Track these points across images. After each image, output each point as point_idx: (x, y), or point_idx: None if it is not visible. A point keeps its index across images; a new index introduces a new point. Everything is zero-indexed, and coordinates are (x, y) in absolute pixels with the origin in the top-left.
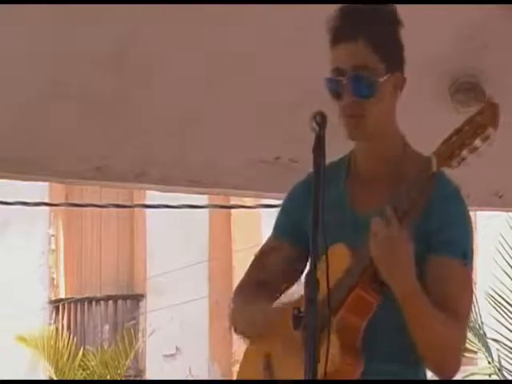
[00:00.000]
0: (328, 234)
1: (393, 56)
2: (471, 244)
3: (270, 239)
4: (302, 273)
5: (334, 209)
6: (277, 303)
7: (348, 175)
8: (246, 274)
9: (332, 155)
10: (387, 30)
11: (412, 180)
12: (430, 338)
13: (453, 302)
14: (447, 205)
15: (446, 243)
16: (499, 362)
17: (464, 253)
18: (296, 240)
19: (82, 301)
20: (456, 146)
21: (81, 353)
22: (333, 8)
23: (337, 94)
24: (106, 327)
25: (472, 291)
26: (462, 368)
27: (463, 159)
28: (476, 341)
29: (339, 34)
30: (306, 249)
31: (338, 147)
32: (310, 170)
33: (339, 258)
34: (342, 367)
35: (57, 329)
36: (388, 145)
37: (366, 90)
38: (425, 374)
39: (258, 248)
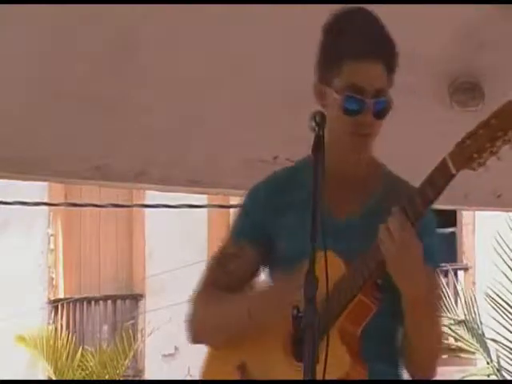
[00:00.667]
0: (304, 237)
1: (392, 77)
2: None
3: (230, 242)
4: (259, 275)
5: (303, 212)
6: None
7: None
8: (206, 277)
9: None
10: (393, 49)
11: (425, 181)
12: (429, 341)
13: (434, 311)
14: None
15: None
16: (498, 363)
17: (437, 261)
18: (258, 243)
19: (80, 301)
20: (473, 149)
21: (80, 353)
22: (333, 8)
23: (354, 111)
24: (105, 327)
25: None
26: (461, 368)
27: (484, 162)
28: (474, 341)
29: (362, 51)
30: (267, 251)
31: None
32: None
33: (330, 265)
34: (353, 376)
35: (56, 329)
36: (369, 153)
37: (385, 114)
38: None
39: None
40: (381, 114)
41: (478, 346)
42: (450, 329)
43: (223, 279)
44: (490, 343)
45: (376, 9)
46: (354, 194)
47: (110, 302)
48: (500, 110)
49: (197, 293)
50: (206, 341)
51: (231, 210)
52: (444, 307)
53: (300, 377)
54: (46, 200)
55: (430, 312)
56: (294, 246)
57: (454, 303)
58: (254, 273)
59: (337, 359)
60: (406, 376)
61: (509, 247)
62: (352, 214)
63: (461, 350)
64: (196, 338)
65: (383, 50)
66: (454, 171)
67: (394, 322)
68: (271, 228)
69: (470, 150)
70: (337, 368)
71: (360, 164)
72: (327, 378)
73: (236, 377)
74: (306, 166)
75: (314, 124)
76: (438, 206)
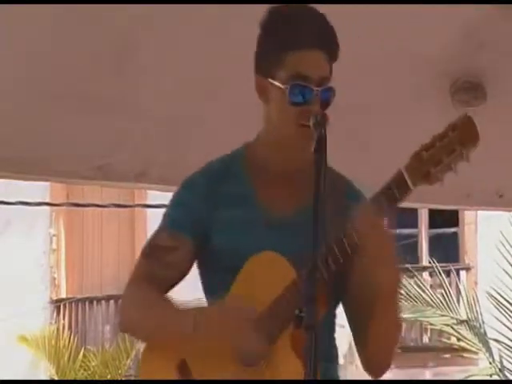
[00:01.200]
0: (239, 232)
1: (332, 67)
2: None
3: (166, 234)
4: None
5: (241, 206)
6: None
7: (249, 173)
8: (140, 270)
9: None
10: (334, 38)
11: (379, 193)
12: (392, 331)
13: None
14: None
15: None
16: (501, 363)
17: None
18: (196, 236)
19: (83, 300)
20: (432, 163)
21: (82, 353)
22: (332, 8)
23: (301, 102)
24: (107, 327)
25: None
26: (464, 368)
27: (441, 176)
28: (477, 341)
29: (302, 39)
30: (203, 243)
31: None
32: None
33: (278, 267)
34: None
35: (58, 329)
36: (308, 148)
37: (328, 102)
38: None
39: None
40: (327, 103)
41: (480, 345)
42: (452, 328)
43: (159, 272)
44: (492, 343)
45: (376, 9)
46: (295, 190)
47: (112, 301)
48: (458, 122)
49: (130, 286)
50: (136, 337)
51: None
52: (446, 307)
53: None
54: (47, 200)
55: (396, 301)
56: (235, 242)
57: (456, 303)
58: (190, 266)
59: (289, 365)
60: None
61: (511, 247)
62: (294, 211)
63: (463, 349)
64: (126, 331)
65: (324, 39)
66: (412, 187)
67: (334, 318)
68: (208, 221)
69: (428, 165)
70: (291, 374)
71: (306, 158)
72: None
73: (175, 377)
74: (242, 156)
75: (315, 125)
76: (441, 206)
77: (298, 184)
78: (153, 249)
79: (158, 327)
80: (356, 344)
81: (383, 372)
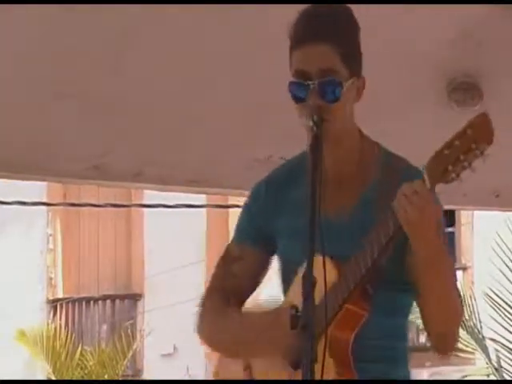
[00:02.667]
0: (294, 242)
1: (355, 60)
2: None
3: (234, 244)
4: (264, 277)
5: (300, 213)
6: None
7: (307, 177)
8: (212, 280)
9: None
10: (350, 33)
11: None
12: (448, 306)
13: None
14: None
15: None
16: (498, 362)
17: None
18: (260, 245)
19: (79, 300)
20: (449, 161)
21: (79, 352)
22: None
23: (301, 98)
24: (104, 327)
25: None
26: (460, 368)
27: (458, 175)
28: (473, 341)
29: (303, 36)
30: (270, 253)
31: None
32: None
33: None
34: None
35: (55, 328)
36: (349, 145)
37: (333, 95)
38: (409, 373)
39: None
40: (330, 94)
41: (476, 345)
42: None
43: (229, 282)
44: (489, 343)
45: (376, 9)
46: (340, 191)
47: (108, 301)
48: (474, 120)
49: (204, 297)
50: (216, 349)
51: (230, 210)
52: None
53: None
54: (44, 200)
55: (443, 276)
56: (291, 248)
57: None
58: (261, 274)
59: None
60: (409, 376)
61: (507, 247)
62: (346, 214)
63: (460, 349)
64: (205, 344)
65: (330, 32)
66: (429, 186)
67: (394, 319)
68: (271, 229)
69: (447, 162)
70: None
71: (339, 158)
72: None
73: (243, 377)
74: (304, 159)
75: (311, 124)
76: None
77: (346, 186)
78: (224, 256)
79: (224, 342)
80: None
81: (447, 350)
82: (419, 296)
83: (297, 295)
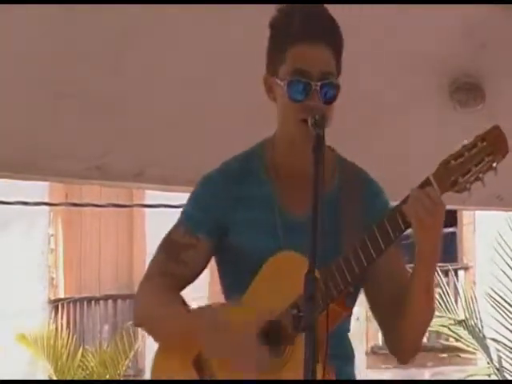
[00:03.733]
0: (264, 234)
1: (340, 60)
2: None
3: (183, 231)
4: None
5: (261, 208)
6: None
7: (267, 173)
8: (155, 266)
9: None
10: (341, 35)
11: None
12: (427, 311)
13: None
14: (379, 200)
15: None
16: (499, 362)
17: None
18: (214, 236)
19: (81, 300)
20: (460, 172)
21: (80, 352)
22: (331, 8)
23: (300, 98)
24: (106, 327)
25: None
26: (462, 368)
27: (468, 187)
28: (475, 341)
29: (304, 35)
30: (220, 242)
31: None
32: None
33: (300, 266)
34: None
35: (56, 328)
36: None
37: (333, 97)
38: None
39: None
40: (329, 98)
41: (478, 345)
42: (449, 329)
43: (175, 269)
44: (490, 343)
45: (376, 9)
46: (305, 190)
47: (110, 301)
48: (488, 133)
49: (145, 281)
50: (149, 334)
51: None
52: (444, 307)
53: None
54: (46, 200)
55: (433, 273)
56: (254, 243)
57: (454, 303)
58: (206, 264)
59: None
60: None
61: (509, 247)
62: (300, 212)
63: (461, 349)
64: (140, 326)
65: (327, 34)
66: (439, 194)
67: (348, 322)
68: (226, 221)
69: (456, 174)
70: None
71: (307, 157)
72: None
73: (192, 373)
74: (259, 155)
75: (313, 124)
76: None
77: (308, 184)
78: (169, 245)
79: (170, 327)
80: (384, 331)
81: (413, 355)
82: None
83: (266, 288)
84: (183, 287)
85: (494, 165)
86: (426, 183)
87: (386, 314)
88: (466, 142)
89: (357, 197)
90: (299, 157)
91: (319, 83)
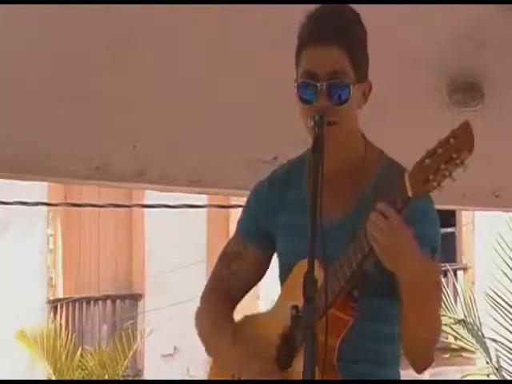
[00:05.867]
0: (292, 239)
1: (363, 63)
2: (439, 238)
3: (235, 241)
4: (262, 277)
5: (297, 212)
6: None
7: (307, 177)
8: (212, 276)
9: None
10: (359, 36)
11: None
12: (427, 326)
13: (432, 296)
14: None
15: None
16: (498, 362)
17: (433, 247)
18: (262, 244)
19: (80, 300)
20: (431, 170)
21: (79, 352)
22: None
23: (309, 100)
24: (105, 327)
25: (440, 283)
26: (461, 368)
27: (439, 184)
28: (474, 341)
29: (312, 37)
30: (270, 252)
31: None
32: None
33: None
34: None
35: (55, 328)
36: (352, 147)
37: (341, 97)
38: (399, 374)
39: None
40: (338, 97)
41: (477, 345)
42: (450, 328)
43: (227, 280)
44: (489, 343)
45: (376, 9)
46: (336, 193)
47: (109, 301)
48: (457, 129)
49: (204, 294)
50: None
51: (231, 210)
52: (444, 307)
53: None
54: (45, 200)
55: (427, 297)
56: (287, 247)
57: (453, 303)
58: (260, 273)
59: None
60: (398, 376)
61: (508, 247)
62: (340, 216)
63: (460, 349)
64: (200, 339)
65: (339, 34)
66: (410, 194)
67: (380, 324)
68: (270, 227)
69: (428, 172)
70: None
71: (339, 159)
72: None
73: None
74: (304, 159)
75: (313, 124)
76: (438, 206)
77: (343, 186)
78: (222, 255)
79: (210, 342)
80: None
81: (423, 367)
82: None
83: (292, 294)
84: (235, 298)
85: (458, 162)
86: (400, 184)
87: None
88: (440, 139)
89: (389, 193)
90: (326, 159)
91: (325, 83)
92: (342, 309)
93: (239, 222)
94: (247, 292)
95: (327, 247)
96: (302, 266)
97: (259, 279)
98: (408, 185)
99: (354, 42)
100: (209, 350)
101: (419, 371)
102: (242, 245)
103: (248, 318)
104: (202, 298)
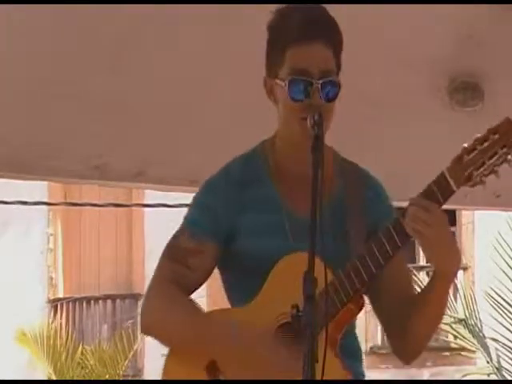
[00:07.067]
0: (264, 237)
1: (340, 58)
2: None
3: (188, 236)
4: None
5: (268, 210)
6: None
7: (271, 174)
8: (162, 272)
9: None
10: (340, 33)
11: (423, 193)
12: (437, 320)
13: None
14: (382, 199)
15: None
16: (498, 362)
17: None
18: (220, 241)
19: (80, 300)
20: (474, 166)
21: (79, 352)
22: (331, 8)
23: (300, 97)
24: (105, 326)
25: None
26: (461, 368)
27: (482, 180)
28: (475, 341)
29: (303, 35)
30: (225, 246)
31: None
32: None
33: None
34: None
35: (55, 328)
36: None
37: (334, 95)
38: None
39: None
40: (330, 96)
41: (477, 345)
42: (451, 327)
43: (183, 275)
44: (489, 342)
45: (376, 9)
46: (307, 190)
47: (109, 301)
48: (500, 125)
49: (154, 287)
50: (158, 339)
51: None
52: None
53: (297, 363)
54: (45, 200)
55: (448, 291)
56: (261, 245)
57: (453, 302)
58: (213, 269)
59: (328, 365)
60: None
61: (509, 246)
62: (307, 212)
63: (461, 349)
64: (148, 332)
65: (326, 32)
66: (455, 188)
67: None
68: (232, 225)
69: (470, 168)
70: (330, 373)
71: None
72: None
73: (204, 378)
74: (261, 156)
75: (312, 123)
76: None
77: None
78: (175, 251)
79: (184, 329)
80: (388, 332)
81: (413, 359)
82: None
83: (279, 290)
84: (192, 293)
85: (510, 157)
86: (440, 178)
87: (390, 316)
88: (477, 135)
89: (359, 196)
90: (302, 157)
91: (320, 81)
92: (354, 302)
93: (190, 219)
94: (198, 287)
95: (304, 244)
96: (286, 263)
97: (209, 275)
98: (450, 180)
99: (337, 39)
100: (177, 341)
101: (410, 362)
102: (200, 242)
103: (217, 311)
104: (152, 293)
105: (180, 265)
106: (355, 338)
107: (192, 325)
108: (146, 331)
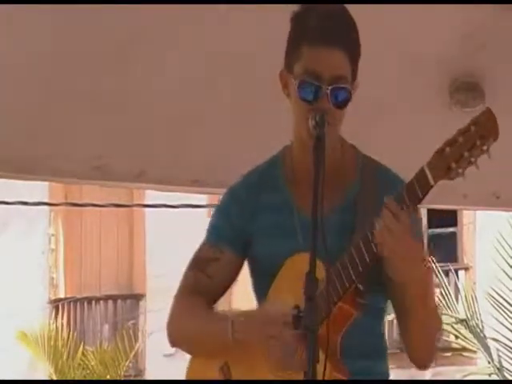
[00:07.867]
0: (278, 239)
1: (357, 65)
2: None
3: (208, 244)
4: (236, 280)
5: (280, 213)
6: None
7: (286, 176)
8: (185, 282)
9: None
10: (357, 39)
11: (404, 190)
12: (430, 323)
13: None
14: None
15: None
16: (499, 362)
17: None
18: (238, 248)
19: (81, 300)
20: (453, 158)
21: (80, 352)
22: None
23: (309, 99)
24: (106, 327)
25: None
26: (462, 368)
27: (462, 172)
28: (476, 341)
29: (320, 37)
30: (244, 257)
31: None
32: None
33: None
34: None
35: (56, 328)
36: (334, 146)
37: (344, 102)
38: (388, 368)
39: None
40: (340, 102)
41: (478, 345)
42: (452, 327)
43: (204, 284)
44: (490, 342)
45: (377, 9)
46: (330, 193)
47: (110, 301)
48: (479, 117)
49: (177, 298)
50: (184, 349)
51: None
52: (445, 306)
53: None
54: (46, 200)
55: (429, 294)
56: (275, 247)
57: (455, 303)
58: (234, 276)
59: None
60: (388, 371)
61: (510, 246)
62: (326, 213)
63: (462, 349)
64: (175, 344)
65: (344, 38)
66: (432, 183)
67: (375, 319)
68: (249, 231)
69: (449, 160)
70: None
71: (333, 157)
72: None
73: (218, 377)
74: (279, 160)
75: (313, 124)
76: (438, 206)
77: (327, 184)
78: (196, 260)
79: (199, 336)
80: (401, 336)
81: (426, 365)
82: (401, 316)
83: (283, 291)
84: (214, 301)
85: (485, 148)
86: (420, 173)
87: (399, 320)
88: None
89: (374, 194)
90: (310, 157)
91: (330, 87)
92: (347, 301)
93: (211, 226)
94: (221, 295)
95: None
96: (291, 263)
97: (232, 283)
98: (428, 174)
99: (354, 45)
100: (201, 346)
101: (424, 367)
102: (217, 249)
103: (230, 312)
104: (177, 305)
105: (201, 273)
106: (378, 336)
107: (205, 333)
108: (173, 344)
